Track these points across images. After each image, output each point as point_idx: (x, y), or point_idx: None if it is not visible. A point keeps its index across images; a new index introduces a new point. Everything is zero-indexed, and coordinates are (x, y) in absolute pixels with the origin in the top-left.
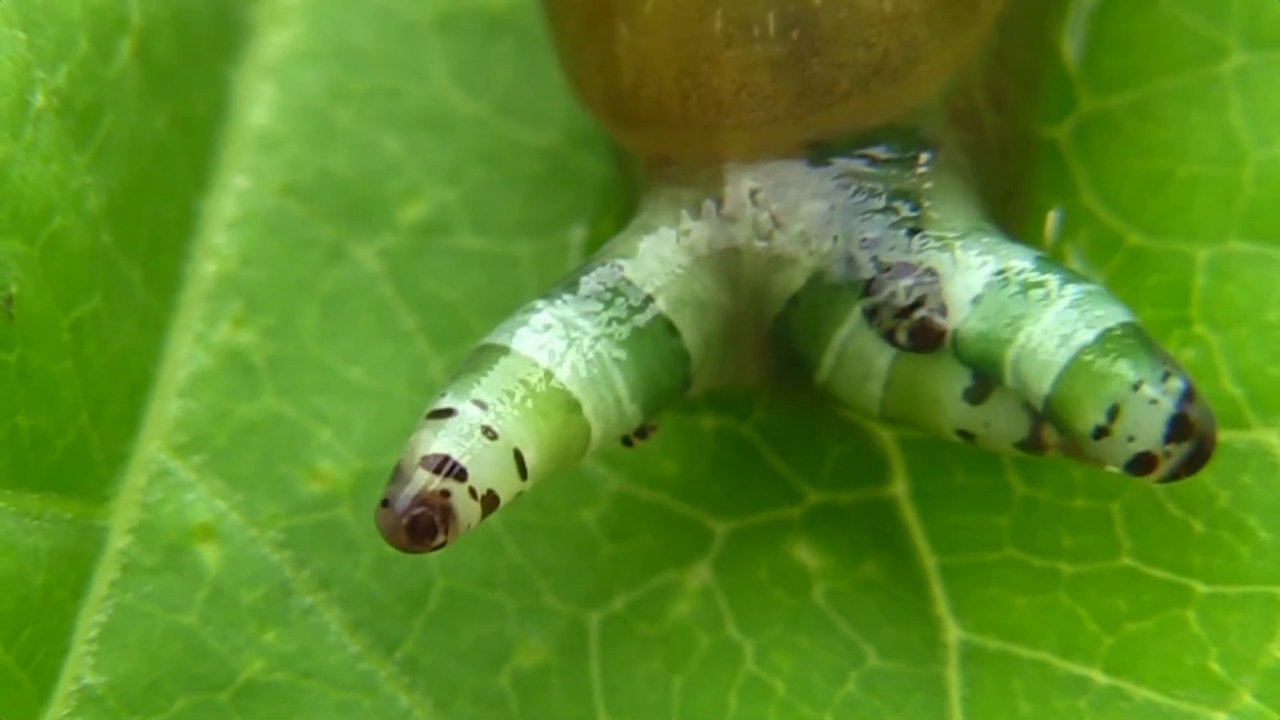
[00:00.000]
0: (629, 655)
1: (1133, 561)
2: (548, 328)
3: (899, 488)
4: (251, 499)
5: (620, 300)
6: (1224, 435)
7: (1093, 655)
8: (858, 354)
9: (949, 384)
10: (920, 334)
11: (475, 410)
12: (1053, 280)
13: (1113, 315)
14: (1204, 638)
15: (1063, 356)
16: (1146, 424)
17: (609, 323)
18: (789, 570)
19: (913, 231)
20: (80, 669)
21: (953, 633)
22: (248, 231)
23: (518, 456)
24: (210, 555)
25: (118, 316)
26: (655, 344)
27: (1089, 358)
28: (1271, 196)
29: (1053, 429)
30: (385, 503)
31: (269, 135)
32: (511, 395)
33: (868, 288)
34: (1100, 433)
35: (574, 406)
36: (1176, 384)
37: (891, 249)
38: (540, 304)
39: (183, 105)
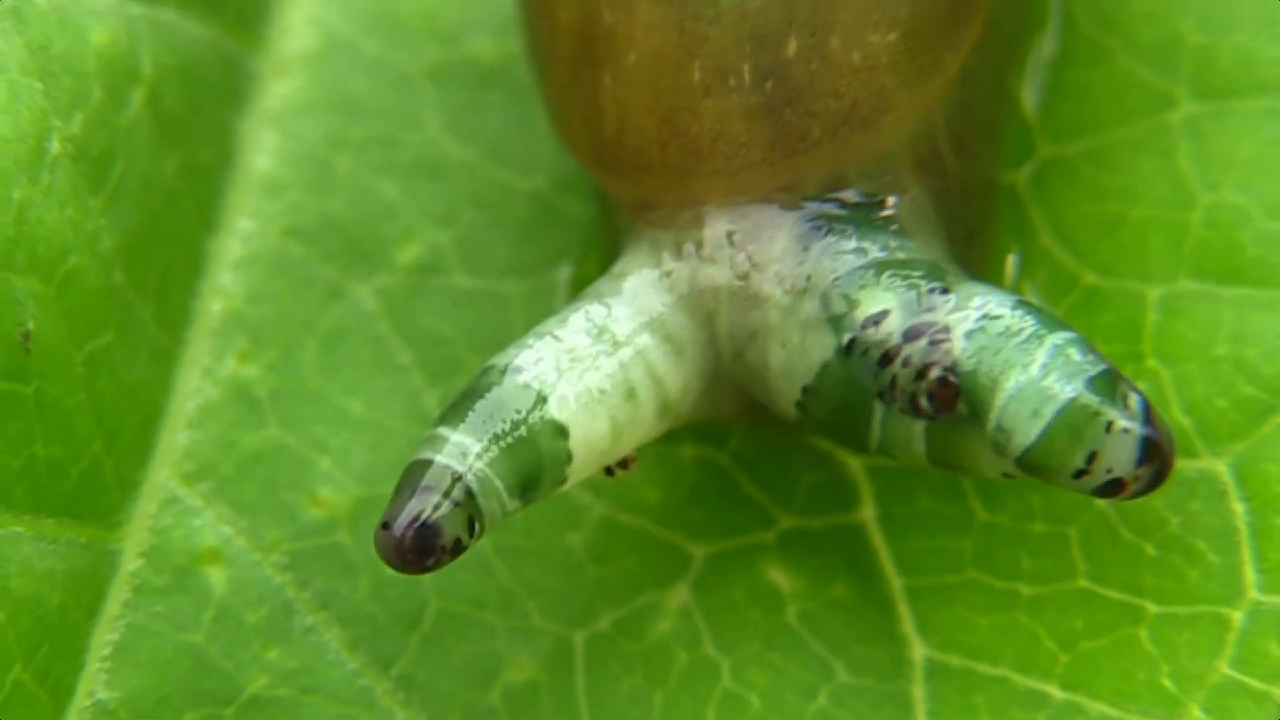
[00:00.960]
0: (613, 672)
1: (1088, 583)
2: (539, 359)
3: (867, 513)
4: (256, 524)
5: (606, 336)
6: (1176, 463)
7: (1050, 672)
8: (896, 427)
9: (983, 442)
10: (940, 396)
11: (470, 436)
12: (1028, 323)
13: (1090, 366)
14: (1156, 655)
15: (1046, 414)
16: (1122, 456)
17: (597, 356)
18: (763, 591)
19: (880, 271)
20: (94, 685)
21: (918, 650)
22: (252, 271)
23: (510, 480)
24: (217, 577)
25: (129, 351)
26: (641, 376)
27: (1070, 416)
28: (1219, 238)
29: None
30: (384, 525)
31: (272, 180)
32: (503, 424)
33: (881, 363)
34: (1080, 475)
35: (561, 434)
36: (1137, 403)
37: (861, 287)
38: (531, 339)
39: (191, 152)
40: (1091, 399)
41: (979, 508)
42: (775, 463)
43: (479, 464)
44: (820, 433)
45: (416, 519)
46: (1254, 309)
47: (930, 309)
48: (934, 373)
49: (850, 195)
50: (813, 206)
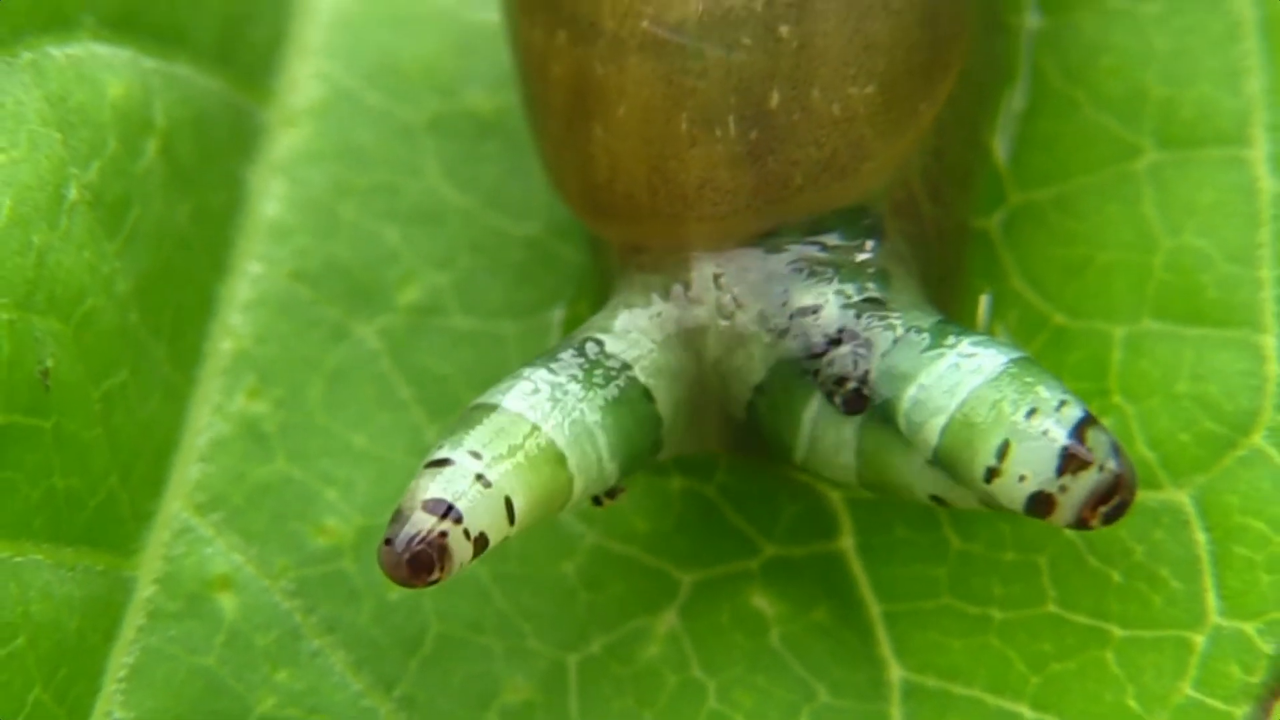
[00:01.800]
0: (605, 693)
1: (1057, 609)
2: (535, 391)
3: (847, 542)
4: (265, 552)
5: (599, 370)
6: (1139, 495)
7: (1021, 692)
8: (827, 428)
9: (911, 450)
10: (851, 399)
11: (471, 460)
12: (985, 354)
13: (1003, 355)
14: (1122, 677)
15: (956, 397)
16: (1037, 457)
17: (591, 388)
18: (748, 617)
19: (859, 311)
20: (111, 705)
21: (895, 672)
22: (261, 313)
23: (508, 504)
24: (228, 603)
25: (144, 388)
26: (632, 409)
27: (981, 395)
28: (1181, 281)
29: None
30: (388, 541)
31: (280, 226)
32: (503, 448)
33: (809, 352)
34: (992, 474)
35: (560, 460)
36: (1072, 410)
37: (840, 328)
38: (527, 371)
39: (203, 199)
40: (1001, 380)
41: (953, 537)
42: (759, 494)
43: (490, 473)
44: (759, 443)
45: (417, 537)
46: (1214, 348)
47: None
48: (850, 380)
49: (830, 239)
50: (795, 250)
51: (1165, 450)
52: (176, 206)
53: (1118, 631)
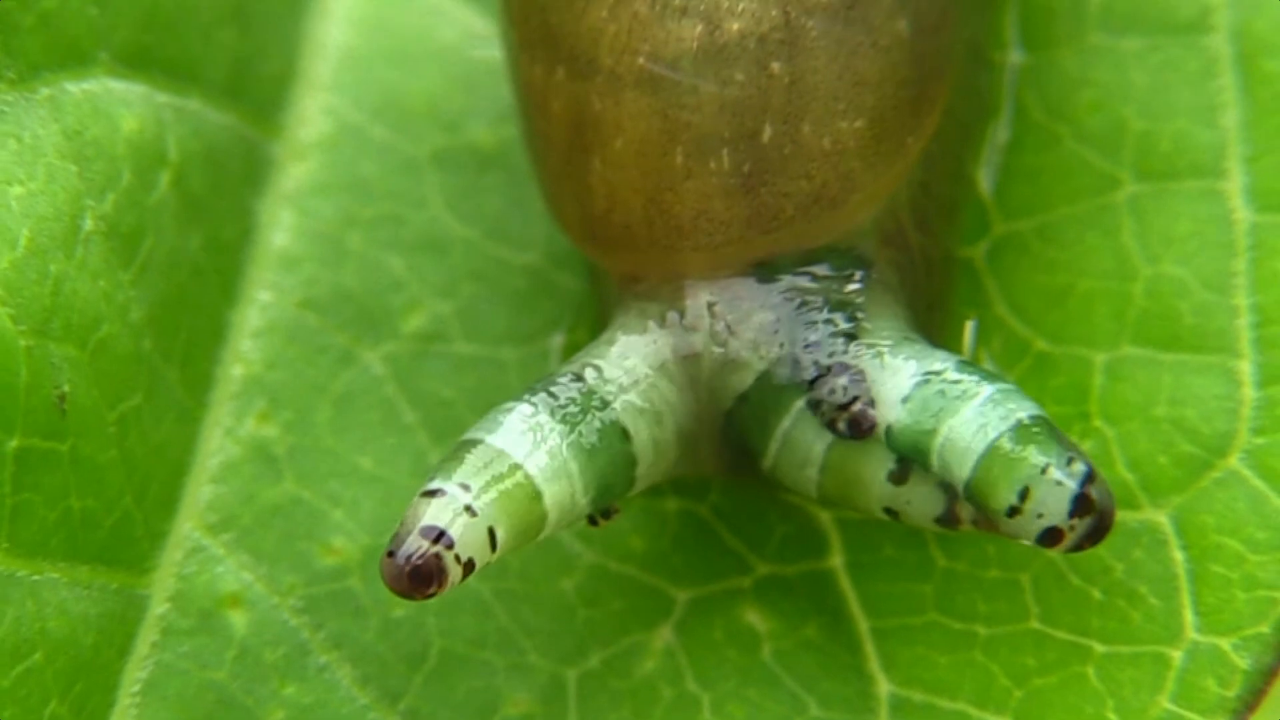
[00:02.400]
0: (602, 706)
1: (1039, 625)
2: (534, 414)
3: (836, 561)
4: (274, 571)
5: (595, 396)
6: (1119, 515)
7: (1005, 706)
8: (798, 442)
9: (875, 468)
10: (856, 424)
11: (460, 491)
12: (969, 380)
13: (1023, 409)
14: (1102, 691)
15: (980, 445)
16: (1053, 502)
17: (573, 429)
18: (741, 632)
19: (849, 339)
20: (125, 719)
21: (883, 686)
22: (270, 339)
23: (490, 533)
24: (238, 620)
25: (157, 412)
26: (609, 449)
27: (1003, 446)
28: (1159, 307)
29: (966, 506)
30: (390, 554)
31: (289, 256)
32: (499, 469)
33: (811, 385)
34: (1013, 511)
35: (537, 496)
36: (1080, 467)
37: (830, 354)
38: (527, 396)
39: (214, 229)
40: (1021, 436)
41: (939, 555)
42: (751, 515)
43: (476, 504)
44: (749, 464)
45: (418, 550)
46: (1192, 373)
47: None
48: (857, 406)
49: (821, 269)
50: (787, 279)
51: (1144, 472)
52: (189, 237)
53: (1098, 647)
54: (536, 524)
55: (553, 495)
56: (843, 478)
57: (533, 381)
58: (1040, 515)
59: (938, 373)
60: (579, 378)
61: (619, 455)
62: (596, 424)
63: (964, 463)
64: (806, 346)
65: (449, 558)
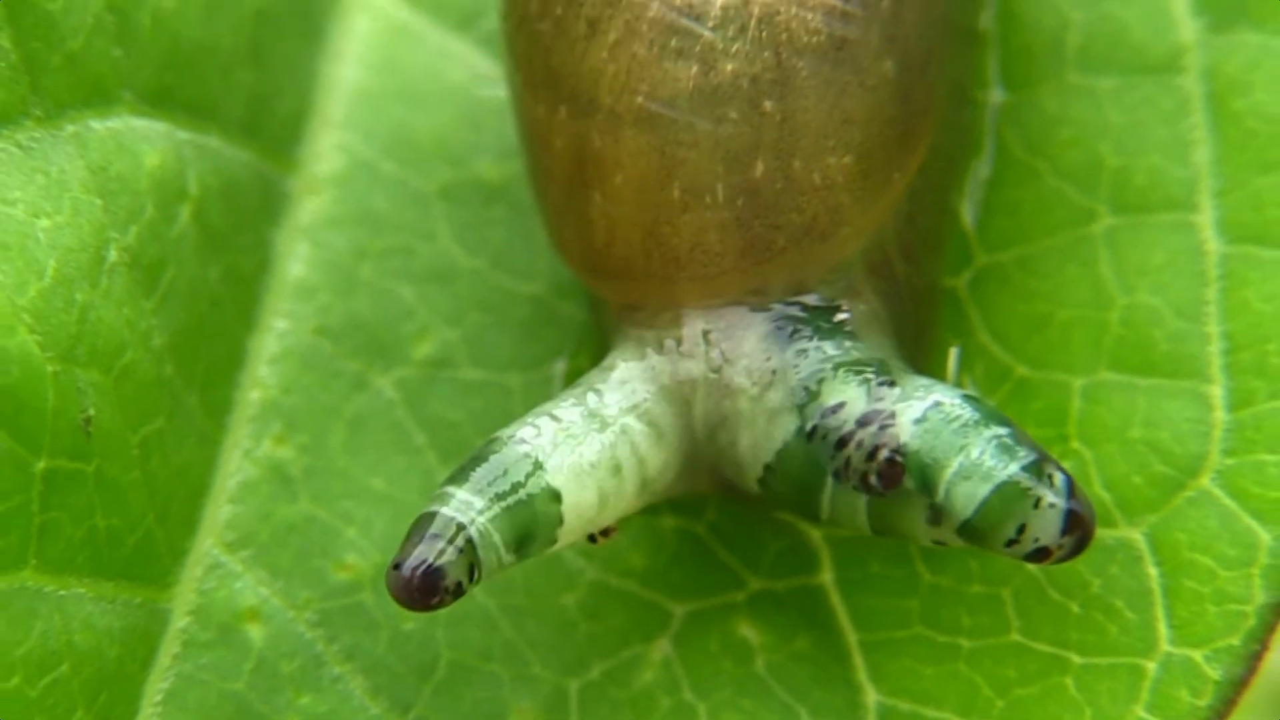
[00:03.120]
0: (603, 716)
1: (1020, 637)
2: (537, 435)
3: (826, 577)
4: (290, 586)
5: (596, 419)
6: (1097, 532)
7: (988, 715)
8: (844, 502)
9: (914, 515)
10: (888, 474)
11: (474, 495)
12: (969, 413)
13: (1023, 453)
14: (1080, 700)
15: (983, 491)
16: (1048, 528)
17: (587, 434)
18: (735, 645)
19: (837, 366)
20: None
21: (871, 697)
22: (287, 365)
23: (506, 537)
24: (256, 633)
25: (178, 435)
26: (532, 515)
27: (1004, 493)
28: (1134, 335)
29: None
30: (395, 566)
31: (304, 286)
32: (503, 486)
33: (839, 444)
34: (1011, 543)
35: (556, 499)
36: (1061, 481)
37: (820, 380)
38: (531, 417)
39: (233, 260)
40: (1021, 479)
41: (924, 571)
42: (745, 532)
43: (481, 519)
44: (778, 505)
45: (424, 563)
46: (1165, 397)
47: (880, 399)
48: (883, 454)
49: (811, 299)
50: (778, 309)
51: (1120, 491)
52: (208, 267)
53: (1076, 659)
54: (553, 530)
55: (569, 501)
56: (888, 522)
57: (536, 405)
58: (1036, 539)
59: (940, 404)
60: (581, 399)
61: (629, 467)
62: (605, 438)
63: (968, 506)
64: (797, 373)
65: (459, 565)
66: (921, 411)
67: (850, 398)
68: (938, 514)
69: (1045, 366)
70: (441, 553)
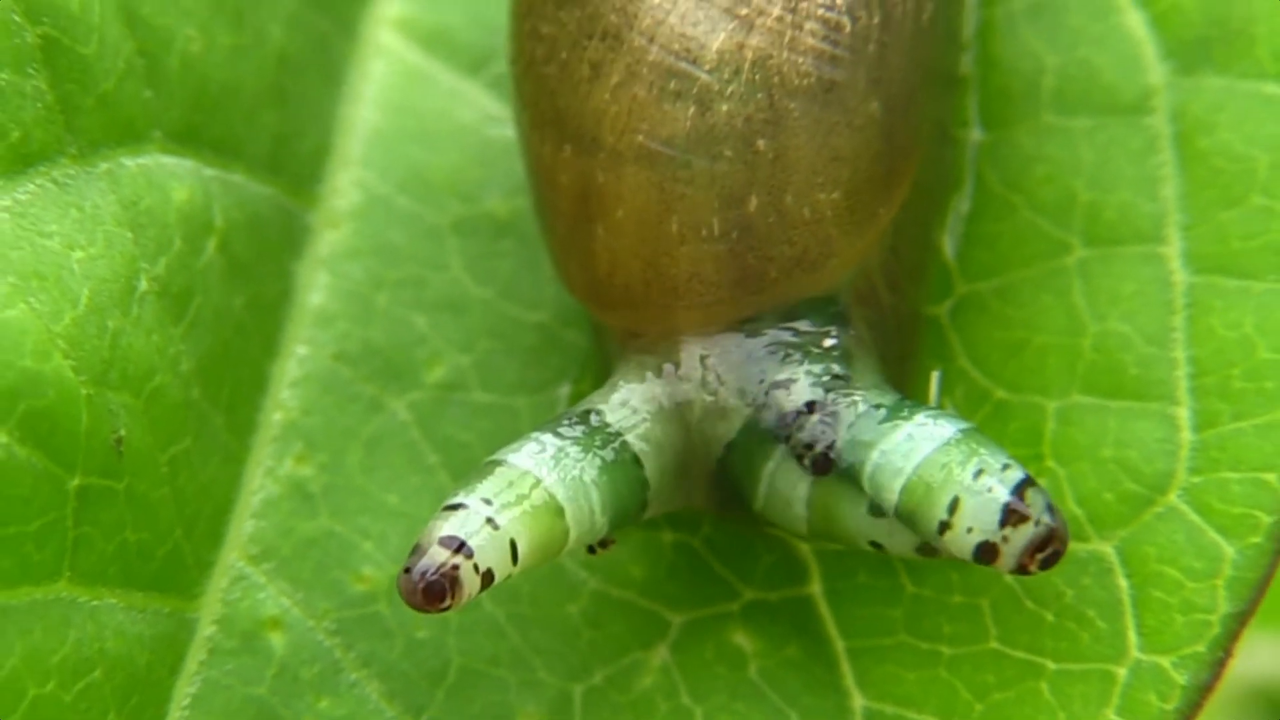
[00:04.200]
0: (605, 718)
1: (998, 645)
2: (541, 450)
3: (815, 588)
4: (310, 597)
5: (598, 436)
6: (1070, 546)
7: (967, 718)
8: (783, 483)
9: (855, 503)
10: (817, 463)
11: (482, 505)
12: (934, 423)
13: (961, 422)
14: (1054, 704)
15: (915, 459)
16: (983, 514)
17: (588, 451)
18: (730, 652)
19: (827, 389)
20: None
21: (858, 701)
22: (307, 389)
23: (512, 545)
24: (278, 641)
25: (205, 454)
26: (624, 471)
27: (934, 460)
28: (1106, 360)
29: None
30: (406, 571)
31: (324, 314)
32: (511, 497)
33: (791, 422)
34: (944, 527)
35: (559, 512)
36: (1014, 474)
37: (809, 401)
38: (535, 434)
39: (256, 290)
40: (953, 450)
41: (908, 583)
42: (739, 546)
43: (487, 529)
44: (770, 520)
45: (431, 568)
46: (1135, 418)
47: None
48: (819, 444)
49: (802, 325)
50: (771, 335)
51: (1092, 507)
52: (233, 296)
53: (1051, 665)
54: (558, 540)
55: (573, 513)
56: (826, 514)
57: (542, 423)
58: (970, 528)
59: (906, 418)
60: (583, 420)
61: (633, 478)
62: (612, 449)
63: (895, 483)
64: (788, 394)
65: (467, 568)
66: (881, 429)
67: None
68: (873, 502)
69: (1022, 390)
70: (448, 559)
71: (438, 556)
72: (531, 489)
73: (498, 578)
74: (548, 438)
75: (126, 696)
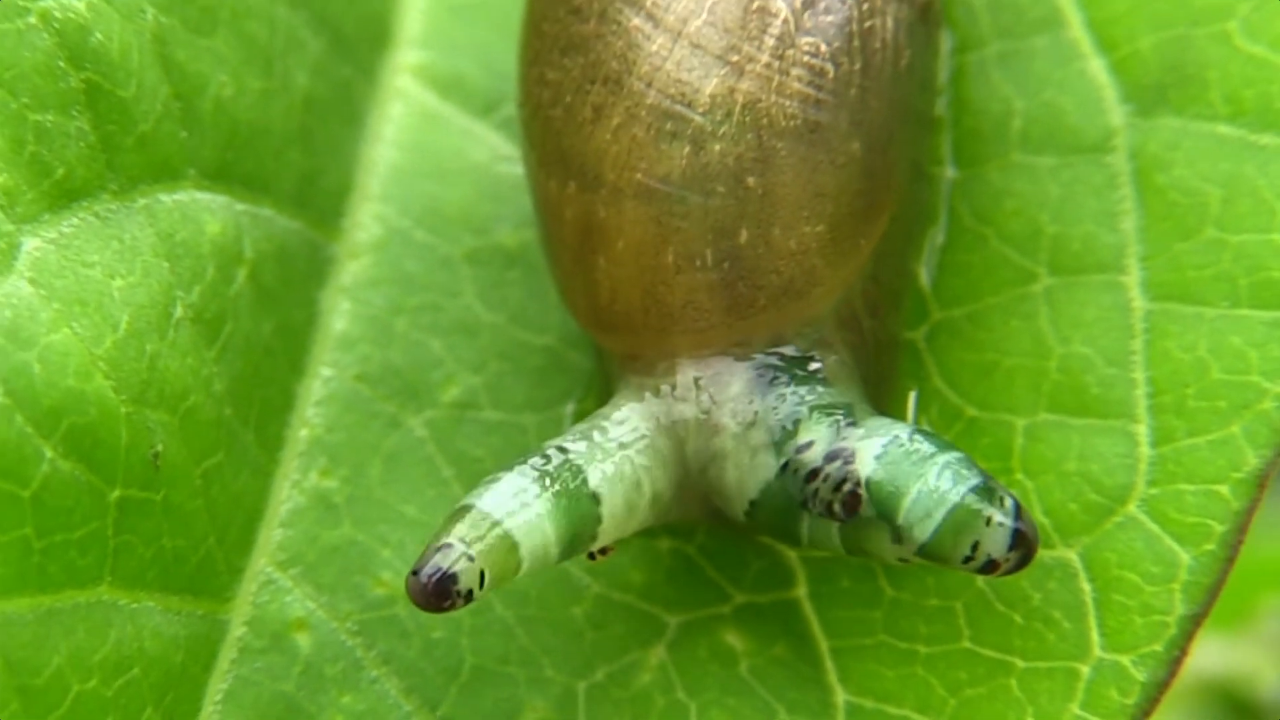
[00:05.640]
0: (607, 712)
1: (970, 644)
2: (546, 464)
3: (801, 591)
4: (333, 600)
5: (600, 452)
6: (1038, 552)
7: (942, 712)
8: (820, 531)
9: (880, 537)
10: (846, 505)
11: (486, 513)
12: (924, 446)
13: (973, 477)
14: (1022, 699)
15: (939, 514)
16: (998, 544)
17: (585, 466)
18: (722, 651)
19: (811, 409)
20: None
21: (840, 696)
22: (331, 407)
23: (481, 575)
24: (304, 640)
25: (236, 467)
26: (580, 510)
27: (958, 515)
28: (1070, 381)
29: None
30: (414, 572)
31: (346, 338)
32: (513, 504)
33: (808, 478)
34: (967, 560)
35: (514, 548)
36: (1009, 503)
37: (796, 421)
38: (542, 448)
39: (284, 316)
40: (972, 501)
41: (887, 587)
42: (731, 553)
43: (515, 518)
44: (762, 532)
45: (439, 570)
46: (1097, 435)
47: (844, 438)
48: (846, 487)
49: (789, 350)
50: (760, 358)
51: (1057, 517)
52: (262, 322)
53: (1019, 663)
54: (511, 570)
55: (528, 549)
56: (859, 545)
57: (534, 446)
58: (988, 555)
59: (897, 438)
60: (588, 435)
61: (588, 515)
62: (569, 490)
63: (925, 528)
64: (776, 415)
65: (471, 573)
66: (881, 447)
67: (819, 436)
68: (899, 535)
69: (992, 408)
70: (455, 562)
71: (442, 560)
72: (536, 496)
73: (504, 581)
74: (552, 451)
75: (163, 692)
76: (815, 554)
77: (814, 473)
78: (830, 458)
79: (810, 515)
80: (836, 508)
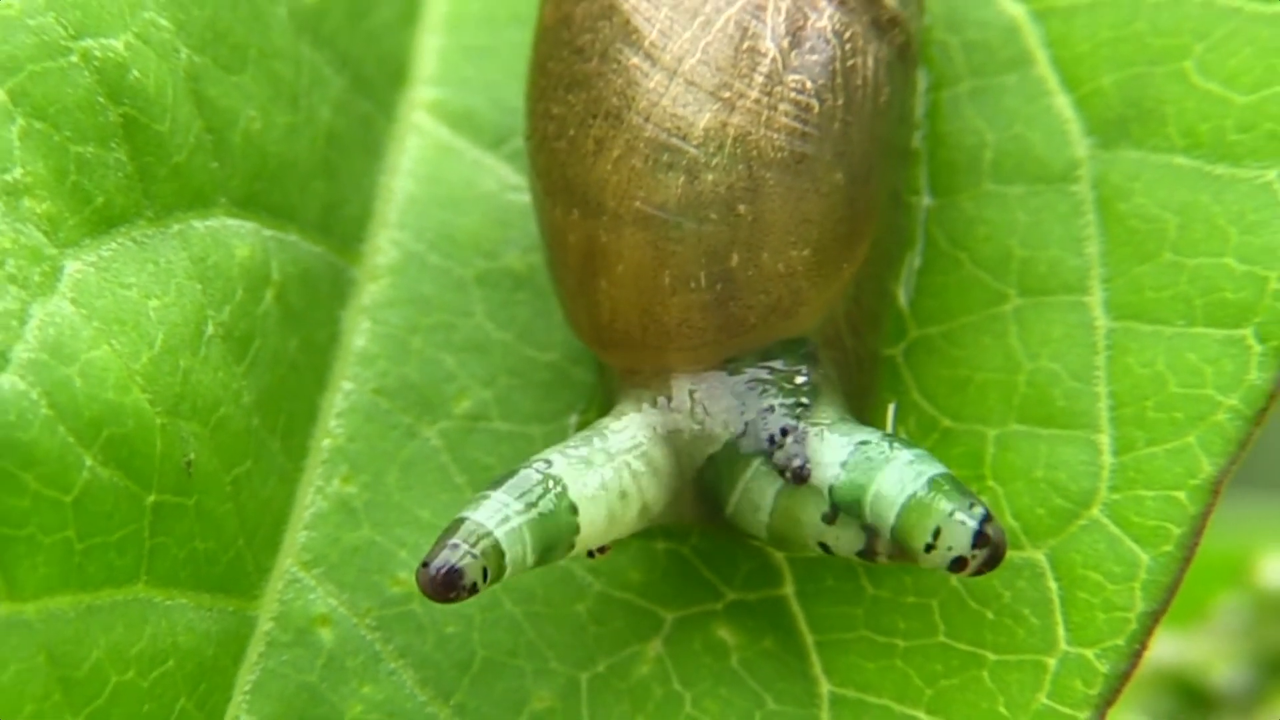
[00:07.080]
0: (608, 702)
1: (945, 639)
2: (553, 464)
3: (788, 589)
4: (354, 598)
5: (603, 456)
6: (1008, 554)
7: (919, 701)
8: (754, 491)
9: (812, 511)
10: (797, 474)
11: (494, 509)
12: (891, 447)
13: (933, 469)
14: (994, 690)
15: (901, 498)
16: (960, 539)
17: (589, 469)
18: (714, 645)
19: (798, 419)
20: (239, 712)
21: (825, 687)
22: (352, 419)
23: (484, 570)
24: (326, 635)
25: (263, 475)
26: (555, 523)
27: (920, 498)
28: (1037, 394)
29: (883, 543)
30: (424, 565)
31: (366, 354)
32: (520, 504)
33: (770, 444)
34: (929, 548)
35: (502, 555)
36: (978, 510)
37: (782, 430)
38: (547, 452)
39: (308, 334)
40: (934, 486)
41: (868, 585)
42: (723, 554)
43: (500, 529)
44: (748, 532)
45: (447, 563)
46: (1062, 444)
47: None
48: (796, 462)
49: (777, 364)
50: (750, 372)
51: (1026, 520)
52: (288, 339)
53: (991, 656)
54: (497, 573)
55: (584, 519)
56: (787, 519)
57: (525, 459)
58: (950, 548)
59: (867, 442)
60: (591, 441)
61: (565, 528)
62: (611, 470)
63: (889, 513)
64: (764, 425)
65: (477, 568)
66: (855, 445)
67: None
68: (834, 514)
69: (965, 419)
70: (462, 556)
71: (450, 555)
72: (542, 495)
73: (509, 575)
74: (556, 455)
75: (196, 683)
76: (802, 555)
77: (784, 430)
78: (787, 431)
79: (744, 483)
80: (788, 475)
